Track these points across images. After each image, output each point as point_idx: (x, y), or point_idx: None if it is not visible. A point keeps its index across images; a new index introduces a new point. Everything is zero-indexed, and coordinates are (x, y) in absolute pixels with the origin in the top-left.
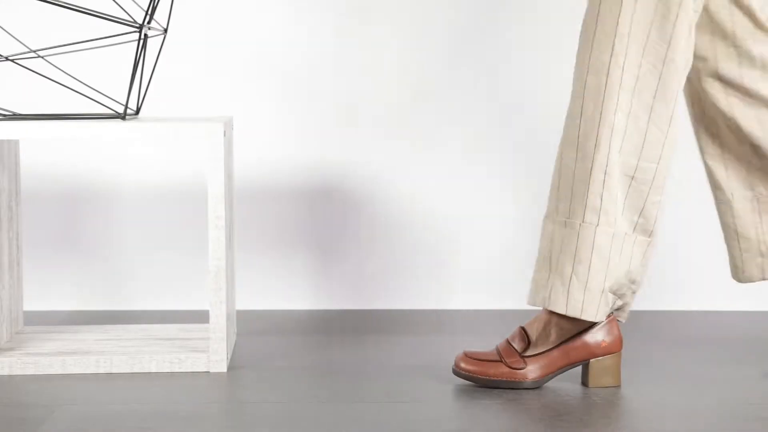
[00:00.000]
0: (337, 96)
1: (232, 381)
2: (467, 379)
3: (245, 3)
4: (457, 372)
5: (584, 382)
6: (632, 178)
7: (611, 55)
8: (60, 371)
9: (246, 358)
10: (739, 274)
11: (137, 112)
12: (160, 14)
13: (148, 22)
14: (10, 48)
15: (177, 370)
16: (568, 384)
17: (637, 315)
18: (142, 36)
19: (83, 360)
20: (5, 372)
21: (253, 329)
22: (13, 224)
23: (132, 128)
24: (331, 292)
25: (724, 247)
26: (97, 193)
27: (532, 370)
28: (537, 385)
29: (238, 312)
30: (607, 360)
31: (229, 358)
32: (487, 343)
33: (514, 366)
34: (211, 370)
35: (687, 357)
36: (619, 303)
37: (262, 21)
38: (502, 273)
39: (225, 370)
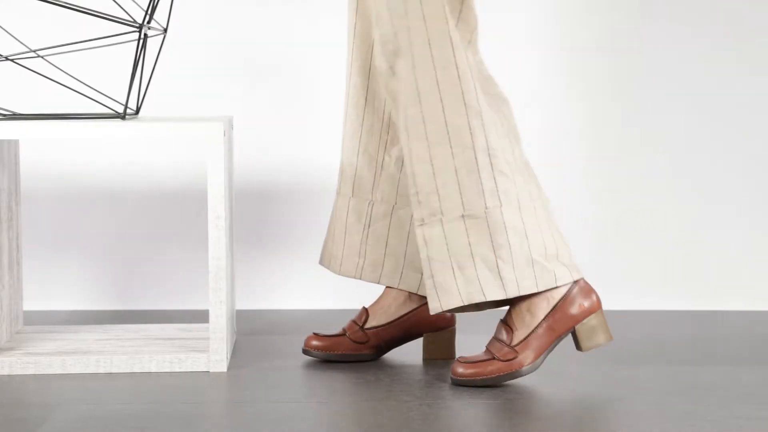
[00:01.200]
0: (337, 96)
1: (232, 381)
2: (467, 385)
3: (245, 3)
4: (456, 380)
5: (578, 348)
6: (512, 154)
7: (452, 48)
8: (60, 371)
9: (246, 358)
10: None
11: (137, 111)
12: (160, 14)
13: (148, 22)
14: (10, 48)
15: (177, 370)
16: (568, 384)
17: (637, 315)
18: (142, 36)
19: (83, 360)
20: (5, 372)
21: (253, 329)
22: (13, 224)
23: (132, 128)
24: (331, 292)
25: (718, 246)
26: (97, 193)
27: (525, 356)
28: (535, 368)
29: (238, 312)
30: (591, 320)
31: (229, 358)
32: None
33: (506, 358)
34: (211, 370)
35: (687, 357)
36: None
37: (262, 21)
38: None
39: (225, 370)
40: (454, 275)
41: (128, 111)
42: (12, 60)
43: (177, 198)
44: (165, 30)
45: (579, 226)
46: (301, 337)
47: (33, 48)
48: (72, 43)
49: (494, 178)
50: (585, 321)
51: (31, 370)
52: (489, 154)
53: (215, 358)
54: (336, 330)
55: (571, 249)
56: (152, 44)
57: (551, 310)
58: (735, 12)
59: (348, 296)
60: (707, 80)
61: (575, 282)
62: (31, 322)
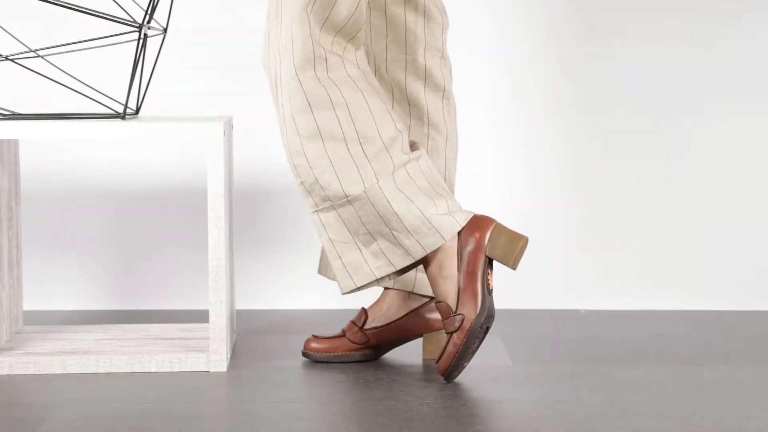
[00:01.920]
0: None
1: (232, 381)
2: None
3: (245, 3)
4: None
5: (510, 265)
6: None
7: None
8: (60, 371)
9: (246, 358)
10: None
11: (137, 111)
12: (160, 14)
13: (148, 22)
14: (10, 48)
15: (177, 369)
16: (568, 384)
17: (637, 315)
18: (142, 36)
19: (83, 360)
20: (5, 372)
21: (253, 329)
22: (13, 224)
23: (132, 128)
24: (330, 291)
25: (718, 246)
26: (97, 193)
27: (468, 312)
28: (485, 312)
29: (238, 312)
30: (496, 240)
31: (229, 358)
32: (484, 342)
33: (457, 326)
34: (211, 370)
35: (687, 357)
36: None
37: (262, 20)
38: (502, 271)
39: (225, 369)
40: (362, 252)
41: (128, 111)
42: (12, 60)
43: (177, 198)
44: (165, 30)
45: (579, 225)
46: (302, 337)
47: (33, 48)
48: (72, 43)
49: (367, 160)
50: (490, 244)
51: (30, 370)
52: (359, 141)
53: (215, 357)
54: (335, 331)
55: (451, 194)
56: (152, 44)
57: (458, 260)
58: (733, 10)
59: (348, 296)
60: (706, 80)
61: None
62: (31, 322)
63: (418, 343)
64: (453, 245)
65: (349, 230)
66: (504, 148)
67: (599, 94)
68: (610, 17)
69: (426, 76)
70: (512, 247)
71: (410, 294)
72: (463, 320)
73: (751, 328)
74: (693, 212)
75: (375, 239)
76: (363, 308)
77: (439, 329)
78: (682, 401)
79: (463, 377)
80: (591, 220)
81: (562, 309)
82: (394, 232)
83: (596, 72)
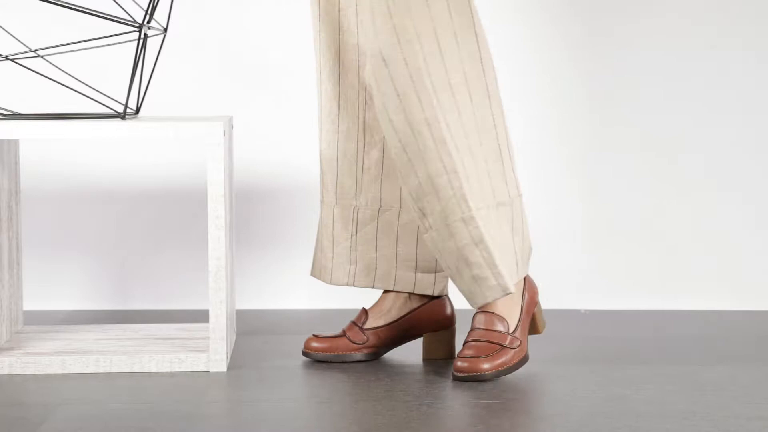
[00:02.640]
0: None
1: (232, 381)
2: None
3: (245, 3)
4: (474, 377)
5: (536, 332)
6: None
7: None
8: (60, 371)
9: (246, 358)
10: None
11: (137, 111)
12: (160, 14)
13: (148, 22)
14: (10, 48)
15: (177, 369)
16: (568, 384)
17: (637, 315)
18: (142, 35)
19: (83, 359)
20: (5, 372)
21: (253, 329)
22: (13, 224)
23: (132, 128)
24: (330, 291)
25: (718, 246)
26: (97, 193)
27: (524, 343)
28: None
29: (238, 312)
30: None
31: (229, 357)
32: None
33: (514, 345)
34: (210, 370)
35: (687, 357)
36: None
37: (262, 21)
38: None
39: (225, 369)
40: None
41: (128, 111)
42: (12, 60)
43: (177, 198)
44: (165, 30)
45: (579, 225)
46: (302, 337)
47: (33, 48)
48: (72, 43)
49: (512, 169)
50: (537, 306)
51: (30, 370)
52: (507, 145)
53: (215, 357)
54: (336, 331)
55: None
56: (152, 44)
57: (522, 299)
58: (732, 8)
59: (348, 296)
60: (704, 80)
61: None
62: (31, 322)
63: (418, 343)
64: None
65: (492, 236)
66: None
67: (600, 93)
68: (611, 17)
69: None
70: (541, 318)
71: (411, 295)
72: (521, 344)
73: (751, 328)
74: (693, 212)
75: (515, 248)
76: (364, 308)
77: (440, 329)
78: (682, 401)
79: None
80: (591, 219)
81: (562, 309)
82: (515, 246)
83: (597, 71)
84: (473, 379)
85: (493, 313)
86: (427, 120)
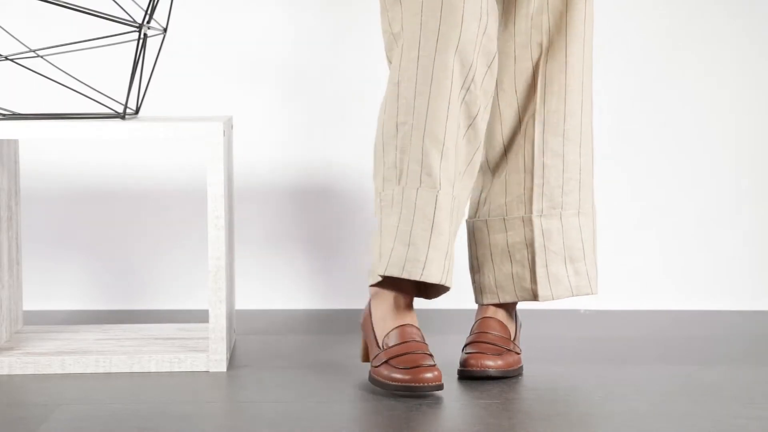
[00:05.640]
0: (337, 95)
1: (232, 381)
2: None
3: (245, 3)
4: (492, 373)
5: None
6: None
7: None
8: (59, 371)
9: (246, 358)
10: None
11: (137, 111)
12: (160, 14)
13: (148, 22)
14: (10, 48)
15: (177, 369)
16: (568, 384)
17: (637, 315)
18: (142, 35)
19: (83, 359)
20: (5, 372)
21: (253, 329)
22: (13, 224)
23: (132, 128)
24: (331, 292)
25: (718, 246)
26: (97, 193)
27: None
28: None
29: (238, 312)
30: None
31: (228, 357)
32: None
33: (518, 351)
34: (210, 370)
35: (687, 357)
36: None
37: (262, 20)
38: None
39: (225, 369)
40: (566, 267)
41: (128, 111)
42: (12, 60)
43: (177, 198)
44: (165, 30)
45: None
46: (302, 337)
47: (33, 48)
48: (72, 43)
49: (593, 182)
50: None
51: (30, 370)
52: (593, 157)
53: (215, 357)
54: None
55: None
56: (152, 44)
57: (516, 314)
58: (728, 10)
59: (347, 296)
60: (701, 80)
61: None
62: (31, 322)
63: None
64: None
65: (564, 243)
66: None
67: (600, 93)
68: (612, 18)
69: None
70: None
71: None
72: (520, 354)
73: (751, 328)
74: (693, 212)
75: (584, 258)
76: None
77: None
78: (682, 401)
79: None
80: None
81: (562, 309)
82: (592, 260)
83: (597, 70)
84: (481, 375)
85: (499, 319)
86: None
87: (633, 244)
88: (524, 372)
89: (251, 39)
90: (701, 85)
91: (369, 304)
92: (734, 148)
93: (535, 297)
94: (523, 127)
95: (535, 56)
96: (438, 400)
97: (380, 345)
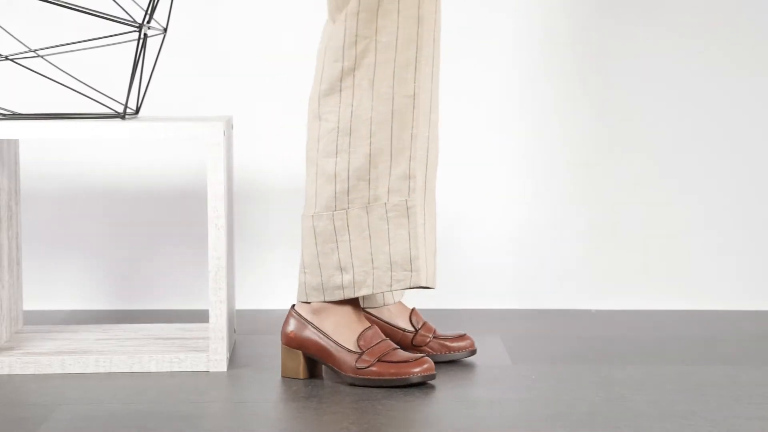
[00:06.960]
0: None
1: (232, 381)
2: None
3: (245, 3)
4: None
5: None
6: None
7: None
8: (59, 371)
9: (246, 358)
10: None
11: (137, 111)
12: (160, 14)
13: (148, 22)
14: (10, 48)
15: (177, 369)
16: (568, 384)
17: (637, 315)
18: (142, 35)
19: (83, 359)
20: (5, 371)
21: (253, 329)
22: (13, 224)
23: (132, 128)
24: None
25: (718, 246)
26: (97, 193)
27: None
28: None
29: (238, 312)
30: None
31: (228, 357)
32: (484, 342)
33: None
34: (210, 370)
35: (687, 357)
36: None
37: (261, 21)
38: (502, 272)
39: (225, 369)
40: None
41: (128, 111)
42: (12, 60)
43: (177, 198)
44: (165, 30)
45: (579, 225)
46: None
47: (33, 48)
48: (72, 43)
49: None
50: None
51: (31, 370)
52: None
53: (215, 357)
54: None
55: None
56: (152, 44)
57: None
58: (727, 12)
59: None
60: (700, 80)
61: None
62: (31, 321)
63: None
64: None
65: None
66: (507, 149)
67: (599, 93)
68: (612, 20)
69: None
70: None
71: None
72: None
73: (751, 328)
74: (694, 212)
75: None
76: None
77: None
78: (682, 401)
79: (463, 377)
80: (591, 219)
81: (562, 309)
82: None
83: (598, 71)
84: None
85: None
86: None
87: (633, 245)
88: (524, 372)
89: (251, 39)
90: (706, 84)
91: (299, 322)
92: (734, 148)
93: None
94: None
95: None
96: (438, 400)
97: (356, 349)
